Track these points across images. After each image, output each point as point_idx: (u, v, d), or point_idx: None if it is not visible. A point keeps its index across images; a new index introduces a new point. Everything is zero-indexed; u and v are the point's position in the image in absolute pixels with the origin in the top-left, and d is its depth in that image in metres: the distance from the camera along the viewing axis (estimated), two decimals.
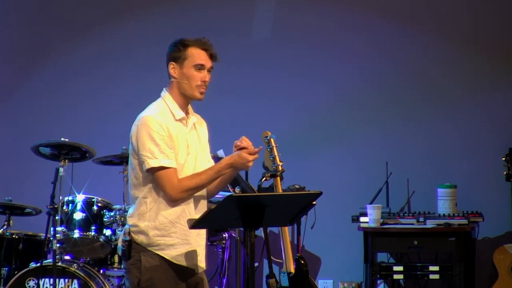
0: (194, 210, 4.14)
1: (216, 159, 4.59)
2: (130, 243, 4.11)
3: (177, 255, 4.13)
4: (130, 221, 4.14)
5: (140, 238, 4.10)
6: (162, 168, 4.04)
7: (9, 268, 6.00)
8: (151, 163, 4.04)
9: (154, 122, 4.07)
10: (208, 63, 4.18)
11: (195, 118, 4.28)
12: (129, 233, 4.12)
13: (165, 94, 4.21)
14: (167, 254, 4.12)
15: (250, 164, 4.08)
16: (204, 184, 4.11)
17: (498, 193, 6.58)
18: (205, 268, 4.25)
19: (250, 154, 4.08)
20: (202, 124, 4.35)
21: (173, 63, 4.18)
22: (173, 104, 4.17)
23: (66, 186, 5.86)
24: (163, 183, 4.06)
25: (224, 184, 4.28)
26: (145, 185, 4.11)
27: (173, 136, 4.12)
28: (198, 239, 4.21)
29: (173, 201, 4.09)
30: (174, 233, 4.11)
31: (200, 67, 4.16)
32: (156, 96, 4.22)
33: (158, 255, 4.11)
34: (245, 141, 4.11)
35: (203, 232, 4.24)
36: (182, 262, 4.15)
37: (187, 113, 4.22)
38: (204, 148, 4.30)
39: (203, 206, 4.19)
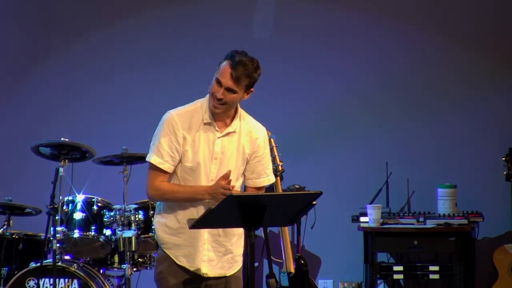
0: None
1: None
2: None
3: (180, 256, 4.20)
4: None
5: (156, 234, 4.28)
6: (151, 164, 4.16)
7: (9, 268, 5.99)
8: (147, 157, 4.20)
9: (168, 120, 4.15)
10: (226, 82, 4.07)
11: (240, 127, 4.22)
12: None
13: (207, 96, 4.22)
14: (172, 253, 4.21)
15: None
16: (177, 197, 4.15)
17: (498, 193, 6.58)
18: (213, 275, 4.23)
19: (225, 190, 4.02)
20: (253, 138, 4.28)
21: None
22: (205, 108, 4.18)
23: (66, 186, 5.86)
24: (147, 178, 4.18)
25: None
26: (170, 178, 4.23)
27: (189, 138, 4.14)
28: (215, 245, 4.21)
29: (149, 198, 4.31)
30: (182, 234, 4.18)
31: (218, 82, 4.10)
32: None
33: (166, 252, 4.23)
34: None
35: (228, 239, 4.25)
36: (185, 264, 4.21)
37: (217, 119, 4.17)
38: (237, 157, 4.23)
39: None
